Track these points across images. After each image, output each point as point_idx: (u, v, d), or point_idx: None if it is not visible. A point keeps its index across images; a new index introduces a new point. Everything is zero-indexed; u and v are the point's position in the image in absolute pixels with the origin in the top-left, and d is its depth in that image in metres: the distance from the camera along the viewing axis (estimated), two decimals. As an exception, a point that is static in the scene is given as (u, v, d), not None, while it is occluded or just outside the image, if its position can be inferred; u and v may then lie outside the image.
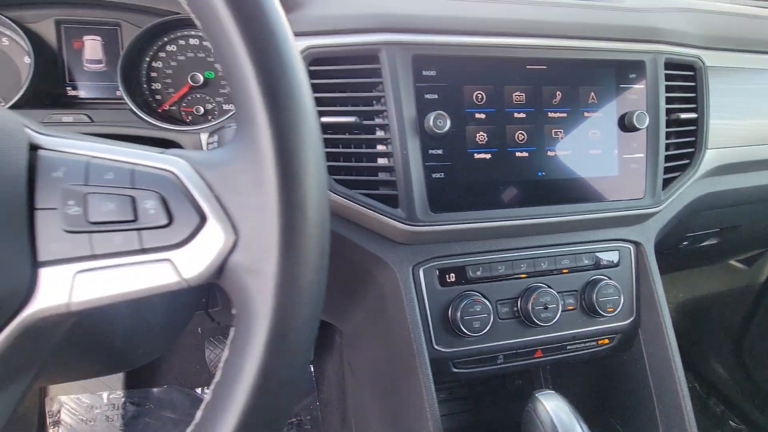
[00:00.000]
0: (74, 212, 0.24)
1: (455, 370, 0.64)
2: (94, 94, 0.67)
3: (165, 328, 0.55)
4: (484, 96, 0.60)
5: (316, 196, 0.25)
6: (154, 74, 0.69)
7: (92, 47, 0.67)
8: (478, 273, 0.64)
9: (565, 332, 0.67)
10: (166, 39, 0.68)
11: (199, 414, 0.26)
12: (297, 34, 0.58)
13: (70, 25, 0.65)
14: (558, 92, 0.63)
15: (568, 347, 0.69)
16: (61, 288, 0.24)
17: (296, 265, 0.24)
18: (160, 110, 0.69)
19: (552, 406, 0.51)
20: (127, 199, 0.25)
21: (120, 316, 0.40)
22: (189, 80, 0.69)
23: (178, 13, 0.67)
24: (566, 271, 0.68)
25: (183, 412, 1.35)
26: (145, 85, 0.68)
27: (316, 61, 0.58)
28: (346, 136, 0.58)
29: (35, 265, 0.24)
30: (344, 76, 0.58)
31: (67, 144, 0.26)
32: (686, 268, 1.25)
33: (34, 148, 0.26)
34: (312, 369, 1.49)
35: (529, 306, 0.64)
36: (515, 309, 0.65)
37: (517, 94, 0.61)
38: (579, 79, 0.64)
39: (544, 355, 0.68)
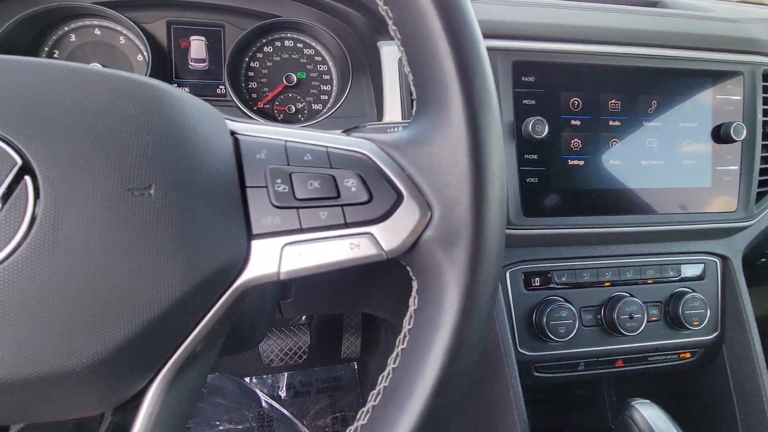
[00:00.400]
0: (282, 190, 0.26)
1: (537, 374, 0.64)
2: (197, 92, 0.71)
3: (270, 313, 0.57)
4: (581, 103, 0.61)
5: (500, 173, 0.27)
6: (251, 74, 0.72)
7: (197, 47, 0.70)
8: (563, 279, 0.65)
9: (647, 343, 0.67)
10: (264, 40, 0.72)
11: (387, 378, 0.27)
12: (400, 39, 0.60)
13: (179, 25, 0.70)
14: (653, 101, 0.63)
15: (650, 359, 0.68)
16: (271, 258, 0.26)
17: (486, 238, 0.26)
18: (255, 108, 0.72)
19: (649, 414, 0.51)
20: (329, 177, 0.27)
21: (252, 299, 0.43)
22: (284, 80, 0.72)
23: (279, 16, 0.70)
24: (651, 281, 0.67)
25: (233, 399, 1.40)
26: (243, 84, 0.72)
27: (417, 64, 0.59)
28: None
29: (249, 237, 0.26)
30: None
31: (261, 129, 0.29)
32: (756, 285, 1.21)
33: (232, 133, 0.28)
34: (356, 366, 1.51)
35: (614, 315, 0.63)
36: (599, 317, 0.65)
37: (612, 102, 0.62)
38: (675, 89, 0.64)
39: (625, 365, 0.67)
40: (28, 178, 0.21)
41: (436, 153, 0.27)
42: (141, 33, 0.65)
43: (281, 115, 0.73)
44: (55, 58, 0.66)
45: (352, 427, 0.28)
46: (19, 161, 0.22)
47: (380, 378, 0.28)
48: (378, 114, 0.64)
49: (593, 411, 0.92)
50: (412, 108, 0.60)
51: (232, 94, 0.66)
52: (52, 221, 0.21)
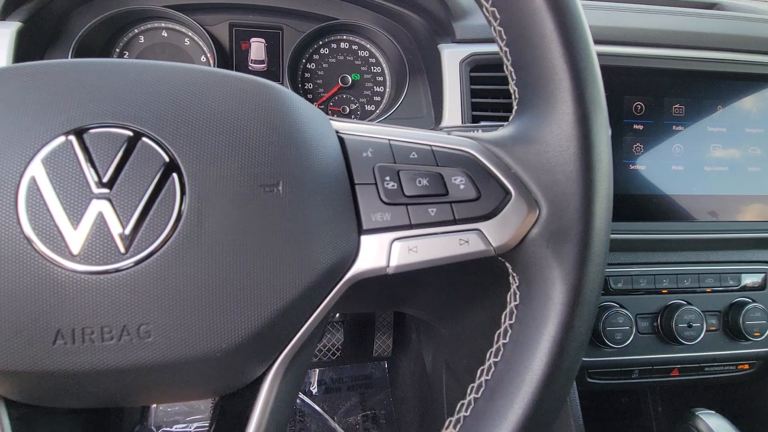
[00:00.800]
0: (391, 187, 0.27)
1: (589, 380, 0.64)
2: (256, 92, 0.73)
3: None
4: (644, 107, 0.60)
5: (609, 171, 0.27)
6: (307, 75, 0.74)
7: (257, 48, 0.73)
8: (620, 285, 0.64)
9: (705, 353, 0.65)
10: (321, 42, 0.73)
11: (489, 372, 0.28)
12: (462, 41, 0.61)
13: (240, 28, 0.72)
14: (719, 106, 0.62)
15: (706, 369, 0.67)
16: (380, 253, 0.27)
17: (596, 236, 0.26)
18: (311, 108, 0.74)
19: (715, 424, 0.50)
20: (437, 175, 0.28)
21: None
22: (339, 81, 0.73)
23: (336, 19, 0.71)
24: (709, 290, 0.66)
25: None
26: (299, 85, 0.74)
27: (478, 67, 0.60)
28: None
29: (359, 232, 0.27)
30: (505, 82, 0.60)
31: (363, 129, 0.30)
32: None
33: (336, 132, 0.29)
34: (386, 366, 1.51)
35: (673, 323, 0.62)
36: (655, 324, 0.64)
37: (676, 106, 0.61)
38: (740, 93, 0.62)
39: (681, 374, 0.66)
40: (175, 176, 0.23)
41: (543, 151, 0.27)
42: (206, 35, 0.68)
43: (335, 116, 0.75)
44: (125, 59, 0.69)
45: (453, 419, 0.28)
46: (167, 159, 0.23)
47: (479, 372, 0.29)
48: (436, 116, 0.65)
49: (637, 420, 0.90)
50: (469, 111, 0.60)
51: (292, 95, 0.68)
52: (197, 217, 0.23)
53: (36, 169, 0.22)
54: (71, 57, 0.61)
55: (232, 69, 0.72)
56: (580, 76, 0.26)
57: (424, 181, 0.27)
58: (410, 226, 0.27)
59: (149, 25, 0.69)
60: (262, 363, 0.25)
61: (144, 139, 0.23)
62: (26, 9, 0.56)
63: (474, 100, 0.60)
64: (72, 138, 0.22)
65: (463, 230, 0.27)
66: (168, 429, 1.22)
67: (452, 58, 0.60)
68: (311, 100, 0.74)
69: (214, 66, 0.67)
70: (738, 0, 0.81)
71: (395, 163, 0.28)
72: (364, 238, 0.27)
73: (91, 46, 0.65)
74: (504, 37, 0.29)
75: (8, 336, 0.21)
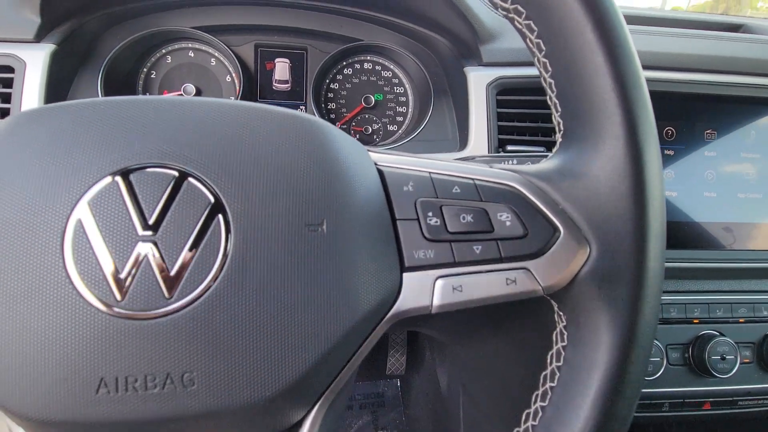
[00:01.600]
0: (434, 223, 0.26)
1: (618, 412, 0.62)
2: (279, 111, 0.73)
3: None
4: (674, 132, 0.59)
5: (662, 209, 0.26)
6: (331, 95, 0.74)
7: (281, 69, 0.73)
8: (649, 313, 0.62)
9: (738, 386, 0.63)
10: (344, 63, 0.74)
11: (537, 417, 0.26)
12: (488, 65, 0.60)
13: (265, 48, 0.72)
14: (752, 131, 0.60)
15: (740, 403, 0.64)
16: (423, 291, 0.26)
17: (650, 277, 0.25)
18: (333, 128, 0.74)
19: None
20: (482, 211, 0.27)
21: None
22: (362, 101, 0.73)
23: (361, 40, 0.72)
24: (742, 320, 0.64)
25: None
26: (323, 105, 0.74)
27: (505, 91, 0.59)
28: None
29: (402, 269, 0.26)
30: (531, 106, 0.59)
31: (401, 160, 0.29)
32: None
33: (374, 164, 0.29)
34: (399, 384, 1.49)
35: (705, 354, 0.60)
36: (686, 355, 0.62)
37: (708, 132, 0.59)
38: (774, 120, 0.61)
39: (713, 408, 0.63)
40: (220, 217, 0.22)
41: (593, 187, 0.26)
42: (232, 55, 0.68)
43: (357, 135, 0.75)
44: (151, 79, 0.70)
45: None
46: (212, 199, 0.23)
47: (524, 415, 0.28)
48: (461, 139, 0.64)
49: (663, 452, 0.87)
50: (495, 134, 0.60)
51: (316, 115, 0.68)
52: (242, 259, 0.22)
53: (82, 212, 0.21)
54: (102, 77, 0.62)
55: (256, 88, 0.73)
56: (631, 109, 0.25)
57: (468, 217, 0.27)
58: (454, 264, 0.26)
59: (176, 46, 0.70)
60: (303, 407, 0.25)
61: (190, 179, 0.23)
62: (60, 31, 0.57)
63: (500, 123, 0.60)
64: (118, 179, 0.22)
65: (510, 269, 0.26)
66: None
67: (479, 81, 0.60)
68: (334, 120, 0.74)
69: (239, 86, 0.68)
70: (764, 22, 0.79)
71: (437, 197, 0.27)
72: (406, 276, 0.26)
73: (121, 67, 0.66)
74: (549, 68, 0.28)
75: (51, 384, 0.20)
